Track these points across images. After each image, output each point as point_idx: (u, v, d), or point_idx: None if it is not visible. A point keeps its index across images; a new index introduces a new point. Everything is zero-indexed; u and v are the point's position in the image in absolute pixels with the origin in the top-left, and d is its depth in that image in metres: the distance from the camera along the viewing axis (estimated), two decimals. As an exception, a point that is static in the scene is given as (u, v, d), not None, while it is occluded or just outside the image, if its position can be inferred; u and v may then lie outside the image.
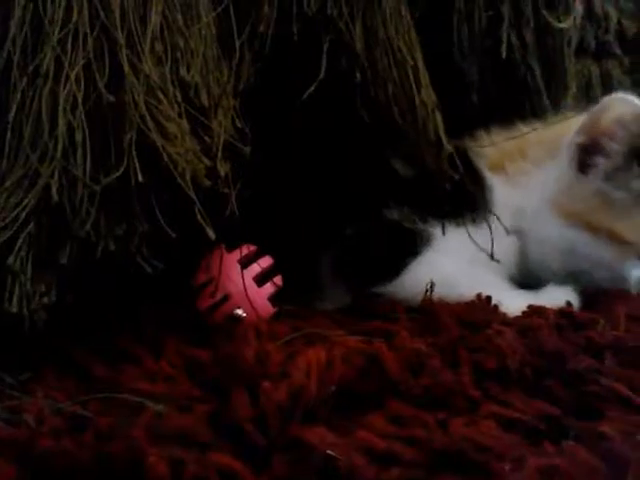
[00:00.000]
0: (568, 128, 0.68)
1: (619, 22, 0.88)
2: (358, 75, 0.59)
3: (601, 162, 0.65)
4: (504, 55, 0.73)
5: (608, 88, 0.89)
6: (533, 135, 0.71)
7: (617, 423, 0.37)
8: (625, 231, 0.65)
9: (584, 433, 0.36)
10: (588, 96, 0.86)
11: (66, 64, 0.46)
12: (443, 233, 0.65)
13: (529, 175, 0.69)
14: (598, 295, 0.65)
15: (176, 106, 0.47)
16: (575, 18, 0.77)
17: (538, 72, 0.77)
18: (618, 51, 0.89)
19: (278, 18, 0.55)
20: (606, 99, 0.65)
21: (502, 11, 0.73)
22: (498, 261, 0.66)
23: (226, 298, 0.58)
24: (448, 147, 0.63)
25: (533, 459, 0.33)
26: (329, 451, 0.34)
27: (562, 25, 0.76)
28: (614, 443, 0.34)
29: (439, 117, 0.64)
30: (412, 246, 0.64)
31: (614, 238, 0.65)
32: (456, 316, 0.58)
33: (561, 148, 0.68)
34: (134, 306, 0.56)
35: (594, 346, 0.50)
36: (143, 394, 0.42)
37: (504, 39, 0.73)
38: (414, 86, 0.60)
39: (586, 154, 0.66)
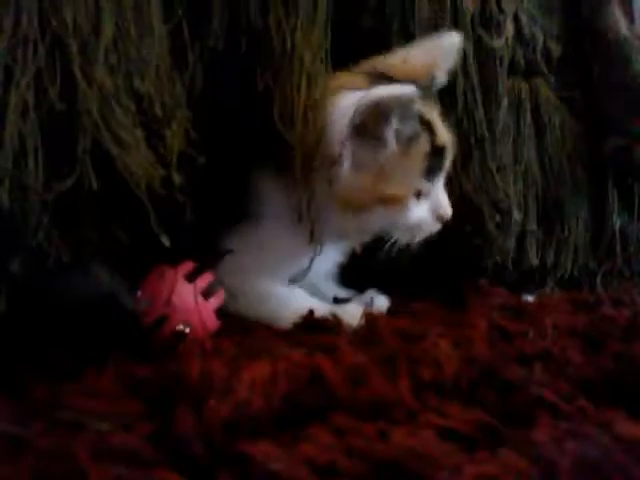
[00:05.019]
0: None
1: (545, 43, 0.93)
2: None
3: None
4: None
5: (536, 103, 0.93)
6: None
7: (547, 430, 0.38)
8: (394, 189, 0.63)
9: (517, 440, 0.38)
10: (519, 110, 0.91)
11: (17, 72, 0.45)
12: None
13: None
14: (527, 306, 0.68)
15: (130, 116, 0.47)
16: (507, 38, 0.81)
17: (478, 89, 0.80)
18: (545, 70, 0.95)
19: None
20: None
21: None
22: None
23: (172, 314, 0.57)
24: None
25: (470, 467, 0.34)
26: (273, 466, 0.35)
27: (495, 44, 0.79)
28: (545, 449, 0.35)
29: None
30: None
31: (389, 201, 0.63)
32: (394, 328, 0.60)
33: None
34: (76, 322, 0.55)
35: (524, 356, 0.52)
36: (85, 412, 0.41)
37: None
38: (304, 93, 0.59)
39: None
